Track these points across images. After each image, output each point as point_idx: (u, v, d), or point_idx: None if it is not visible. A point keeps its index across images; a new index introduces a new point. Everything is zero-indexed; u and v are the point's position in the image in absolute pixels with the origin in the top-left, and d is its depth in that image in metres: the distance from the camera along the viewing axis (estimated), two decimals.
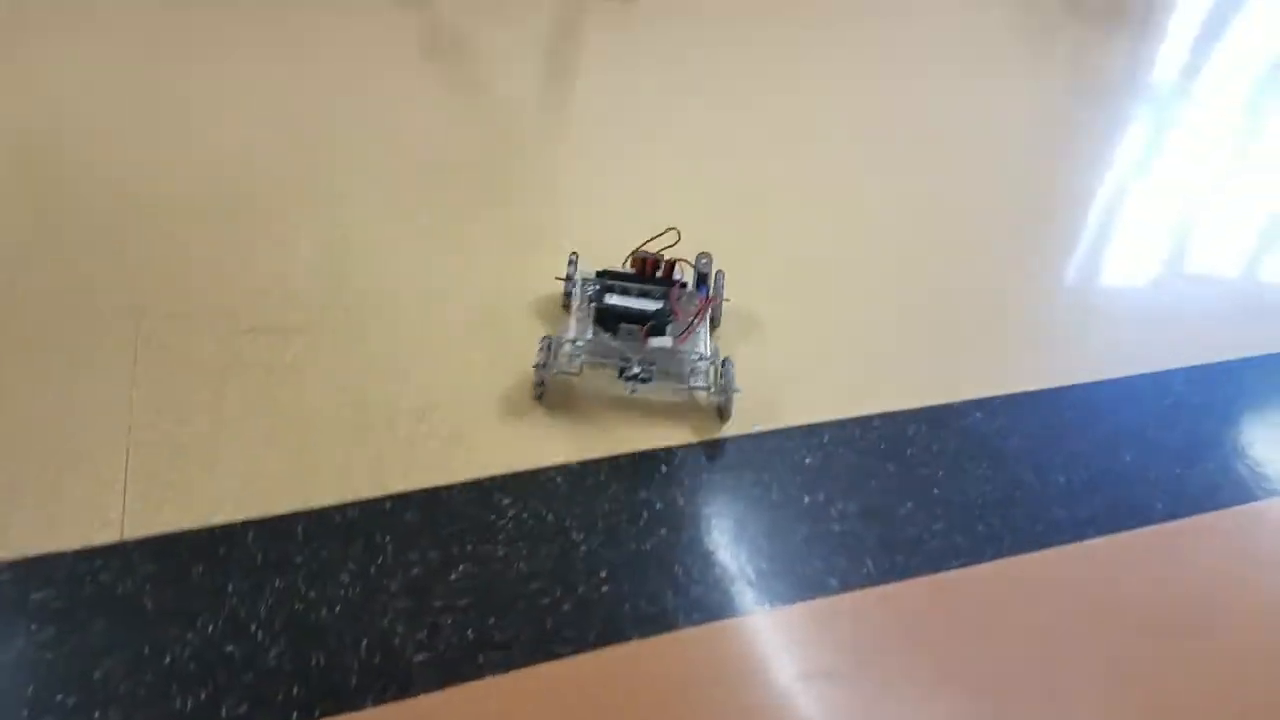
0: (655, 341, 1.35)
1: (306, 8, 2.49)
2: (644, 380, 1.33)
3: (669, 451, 1.30)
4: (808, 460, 1.31)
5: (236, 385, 1.30)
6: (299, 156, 1.84)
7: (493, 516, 1.18)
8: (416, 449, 1.25)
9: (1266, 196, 2.15)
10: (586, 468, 1.26)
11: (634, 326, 1.34)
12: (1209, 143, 2.38)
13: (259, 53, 2.20)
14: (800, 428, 1.36)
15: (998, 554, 1.22)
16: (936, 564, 1.20)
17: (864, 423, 1.38)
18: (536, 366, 1.33)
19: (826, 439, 1.35)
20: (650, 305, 1.36)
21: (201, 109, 1.94)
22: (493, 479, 1.22)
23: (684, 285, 1.43)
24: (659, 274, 1.42)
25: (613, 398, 1.37)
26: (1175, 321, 1.68)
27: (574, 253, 1.51)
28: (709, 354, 1.38)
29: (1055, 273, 1.79)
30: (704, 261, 1.45)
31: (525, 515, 1.18)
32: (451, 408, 1.31)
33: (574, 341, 1.37)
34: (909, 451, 1.34)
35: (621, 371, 1.34)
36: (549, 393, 1.35)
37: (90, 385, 1.28)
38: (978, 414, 1.41)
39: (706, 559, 1.16)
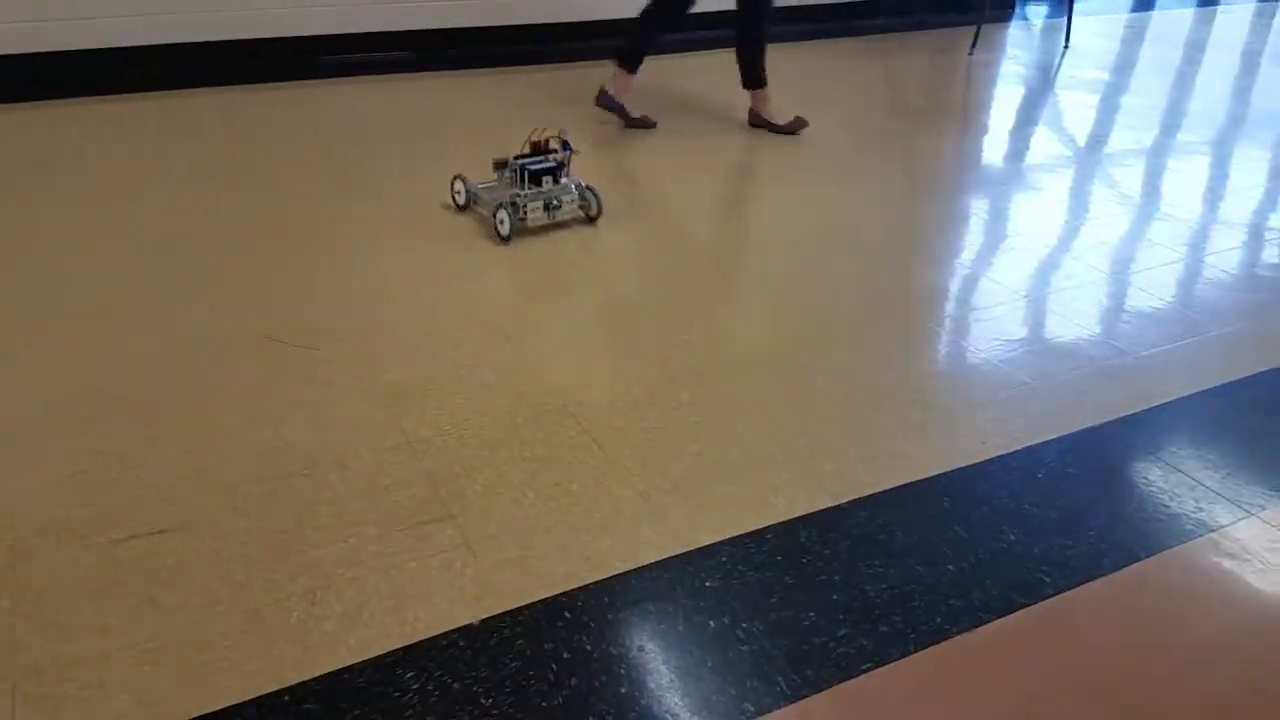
0: (564, 181, 2.42)
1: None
2: (558, 207, 2.37)
3: (570, 595, 1.30)
4: (709, 584, 1.33)
5: (117, 596, 1.26)
6: (162, 355, 1.83)
7: (397, 694, 1.15)
8: (311, 633, 1.22)
9: (1103, 264, 2.33)
10: (488, 625, 1.24)
11: (548, 176, 2.39)
12: (1041, 220, 2.57)
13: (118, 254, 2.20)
14: (698, 550, 1.38)
15: (904, 651, 1.24)
16: (846, 670, 1.21)
17: (758, 536, 1.41)
18: (501, 224, 2.31)
19: (724, 558, 1.37)
20: (551, 164, 2.40)
21: (51, 327, 1.93)
22: (393, 652, 1.20)
23: (556, 150, 2.45)
24: (544, 147, 2.46)
25: (540, 227, 2.39)
26: (1037, 396, 1.78)
27: (456, 175, 2.47)
28: (583, 184, 2.46)
29: (915, 363, 1.88)
30: (563, 132, 2.49)
31: (430, 687, 1.16)
32: (343, 585, 1.29)
33: (516, 201, 2.33)
34: (804, 560, 1.37)
35: (546, 205, 2.35)
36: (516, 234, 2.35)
37: None
38: (862, 513, 1.45)
39: (620, 706, 1.15)
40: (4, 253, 2.14)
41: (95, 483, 1.45)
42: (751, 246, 2.38)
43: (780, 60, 4.04)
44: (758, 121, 3.24)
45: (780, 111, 3.21)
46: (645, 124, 3.20)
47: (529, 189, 2.35)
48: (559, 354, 1.86)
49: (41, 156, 2.72)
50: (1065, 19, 4.58)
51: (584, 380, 1.77)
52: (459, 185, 2.46)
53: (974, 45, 4.34)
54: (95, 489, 1.44)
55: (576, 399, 1.72)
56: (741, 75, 3.16)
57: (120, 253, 2.17)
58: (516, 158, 2.40)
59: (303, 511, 1.42)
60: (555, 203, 2.35)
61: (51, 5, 3.04)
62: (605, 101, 3.19)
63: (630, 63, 3.11)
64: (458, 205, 2.49)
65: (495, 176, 2.47)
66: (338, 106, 3.27)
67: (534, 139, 2.44)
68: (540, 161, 2.39)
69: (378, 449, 1.56)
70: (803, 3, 4.47)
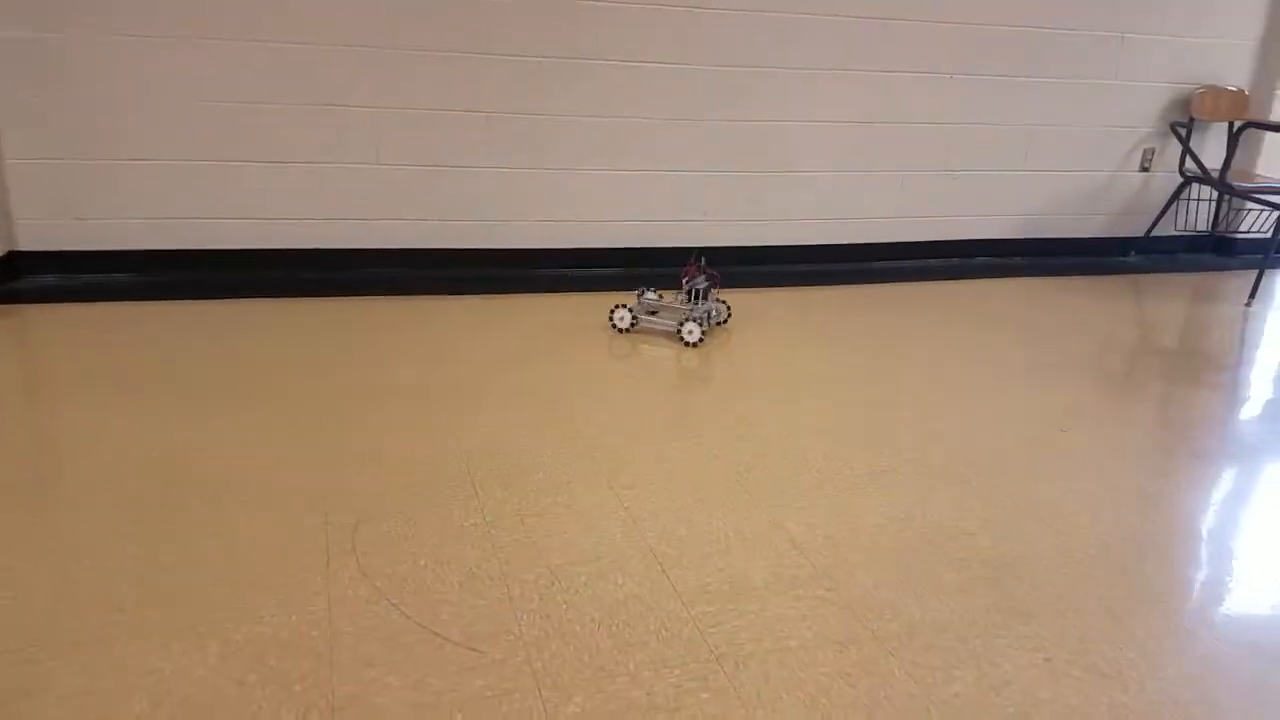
0: (712, 296, 3.03)
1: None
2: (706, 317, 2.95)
3: None
4: None
5: None
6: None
7: None
8: None
9: None
10: None
11: (705, 291, 3.01)
12: None
13: None
14: None
15: None
16: None
17: None
18: (691, 330, 2.84)
19: None
20: (702, 284, 2.99)
21: None
22: None
23: (706, 273, 3.01)
24: (697, 271, 3.02)
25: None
26: None
27: (624, 310, 2.95)
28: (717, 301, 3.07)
29: None
30: (704, 260, 3.04)
31: None
32: None
33: (691, 316, 2.88)
34: None
35: (704, 317, 2.90)
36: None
37: None
38: None
39: None
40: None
41: None
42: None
43: (1038, 294, 3.60)
44: None
45: None
46: None
47: (693, 303, 2.94)
48: None
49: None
50: None
51: None
52: (623, 312, 2.92)
53: (1253, 295, 3.70)
54: None
55: None
56: None
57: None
58: (682, 285, 2.98)
59: None
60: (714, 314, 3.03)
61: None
62: None
63: None
64: (618, 329, 2.94)
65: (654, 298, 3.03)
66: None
67: (688, 268, 3.02)
68: (697, 282, 2.99)
69: None
70: (1040, 236, 4.08)
